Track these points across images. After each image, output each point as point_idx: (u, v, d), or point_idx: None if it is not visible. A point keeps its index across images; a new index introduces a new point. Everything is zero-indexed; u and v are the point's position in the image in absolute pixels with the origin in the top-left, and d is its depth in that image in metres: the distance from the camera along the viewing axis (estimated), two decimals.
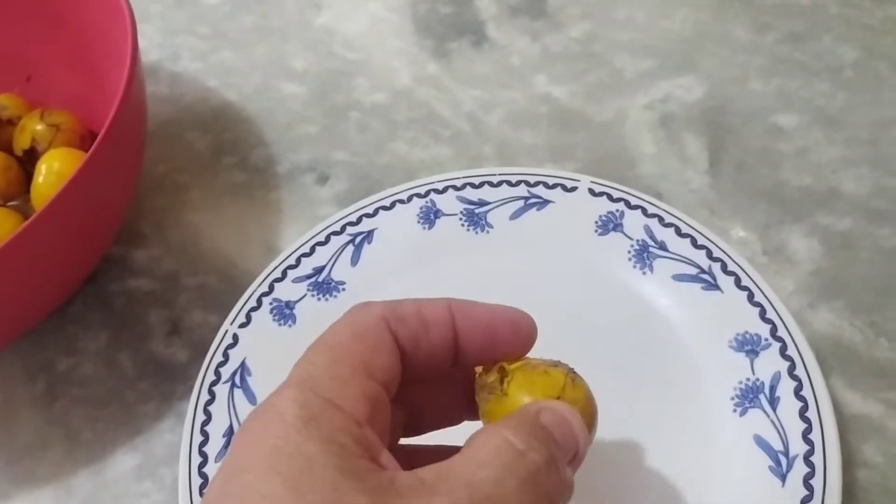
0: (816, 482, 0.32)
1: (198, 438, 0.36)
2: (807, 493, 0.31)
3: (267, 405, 0.22)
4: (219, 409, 0.37)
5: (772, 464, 0.33)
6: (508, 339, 0.26)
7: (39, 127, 0.45)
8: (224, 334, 0.39)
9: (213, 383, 0.38)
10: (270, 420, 0.21)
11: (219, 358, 0.38)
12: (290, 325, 0.39)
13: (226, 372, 0.38)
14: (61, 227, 0.35)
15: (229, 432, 0.36)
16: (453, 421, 0.28)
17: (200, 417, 0.37)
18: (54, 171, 0.42)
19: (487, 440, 0.22)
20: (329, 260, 0.41)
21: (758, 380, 0.35)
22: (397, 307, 0.25)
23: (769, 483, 0.32)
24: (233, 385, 0.38)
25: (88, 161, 0.34)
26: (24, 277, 0.36)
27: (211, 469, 0.35)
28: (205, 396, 0.37)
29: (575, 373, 0.26)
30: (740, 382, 0.35)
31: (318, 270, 0.41)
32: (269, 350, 0.39)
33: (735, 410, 0.35)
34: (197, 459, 0.35)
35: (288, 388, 0.22)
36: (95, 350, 0.42)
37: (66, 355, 0.42)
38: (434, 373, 0.26)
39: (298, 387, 0.22)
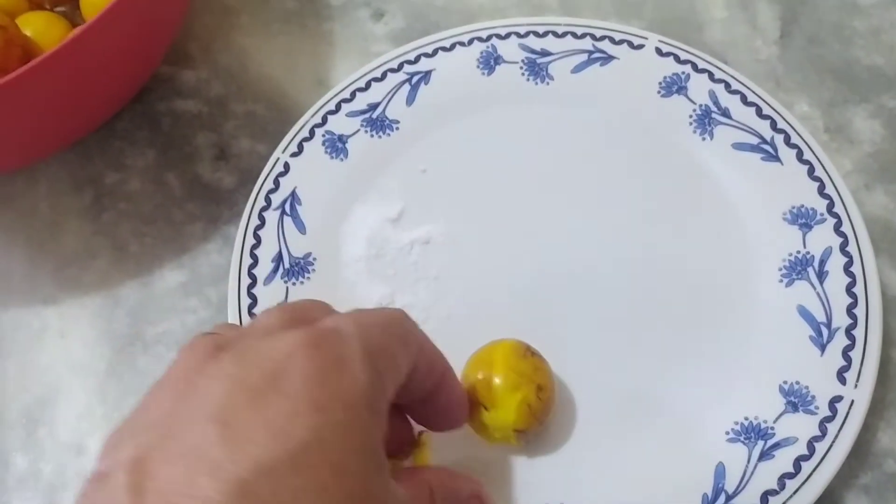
0: (855, 354, 0.32)
1: (247, 260, 0.36)
2: (844, 363, 0.32)
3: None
4: (268, 235, 0.37)
5: (812, 334, 0.33)
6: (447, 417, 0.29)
7: None
8: (275, 162, 0.39)
9: (264, 209, 0.38)
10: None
11: (269, 185, 0.38)
12: (341, 159, 0.39)
13: (276, 199, 0.38)
14: (113, 36, 0.34)
15: (278, 258, 0.37)
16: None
17: (250, 241, 0.37)
18: None
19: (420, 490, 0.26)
20: (384, 97, 0.40)
21: (808, 253, 0.35)
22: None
23: (808, 352, 0.33)
24: (283, 213, 0.38)
25: None
26: (75, 83, 0.35)
27: (259, 290, 0.36)
28: (255, 221, 0.37)
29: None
30: (790, 254, 0.35)
31: (373, 107, 0.40)
32: (319, 181, 0.39)
33: (781, 281, 0.35)
34: (246, 280, 0.36)
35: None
36: (143, 167, 0.41)
37: (113, 170, 0.41)
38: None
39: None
